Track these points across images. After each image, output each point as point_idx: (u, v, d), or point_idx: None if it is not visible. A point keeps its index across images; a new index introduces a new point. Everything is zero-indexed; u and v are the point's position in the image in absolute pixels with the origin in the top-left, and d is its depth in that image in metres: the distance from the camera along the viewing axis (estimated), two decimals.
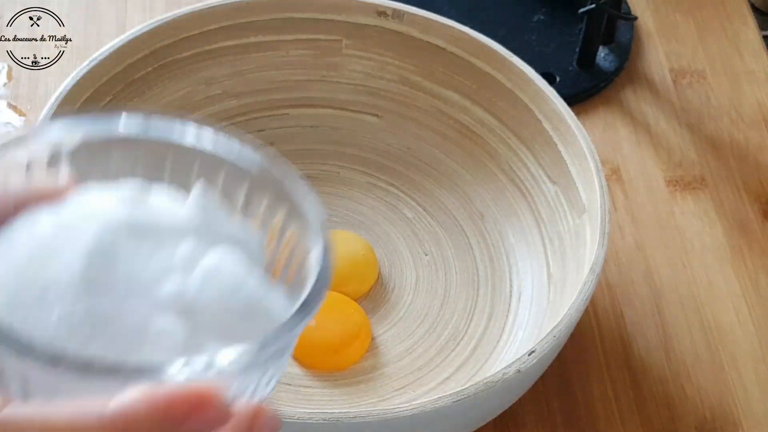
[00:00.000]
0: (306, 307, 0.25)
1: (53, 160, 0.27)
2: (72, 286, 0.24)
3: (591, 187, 0.45)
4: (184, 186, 0.28)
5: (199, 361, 0.22)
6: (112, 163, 0.28)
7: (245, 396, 0.24)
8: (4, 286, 0.24)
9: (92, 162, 0.28)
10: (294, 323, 0.24)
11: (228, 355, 0.23)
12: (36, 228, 0.26)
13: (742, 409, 0.47)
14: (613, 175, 0.55)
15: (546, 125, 0.48)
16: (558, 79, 0.58)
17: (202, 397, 0.21)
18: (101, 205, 0.26)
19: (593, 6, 0.56)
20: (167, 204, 0.27)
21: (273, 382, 0.26)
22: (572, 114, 0.47)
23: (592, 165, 0.45)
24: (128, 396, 0.21)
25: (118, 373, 0.22)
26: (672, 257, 0.52)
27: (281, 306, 0.26)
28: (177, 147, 0.28)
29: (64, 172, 0.27)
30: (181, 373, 0.22)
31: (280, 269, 0.28)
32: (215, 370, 0.22)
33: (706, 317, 0.50)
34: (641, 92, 0.59)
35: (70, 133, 0.28)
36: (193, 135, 0.28)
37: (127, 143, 0.28)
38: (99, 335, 0.24)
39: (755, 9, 0.64)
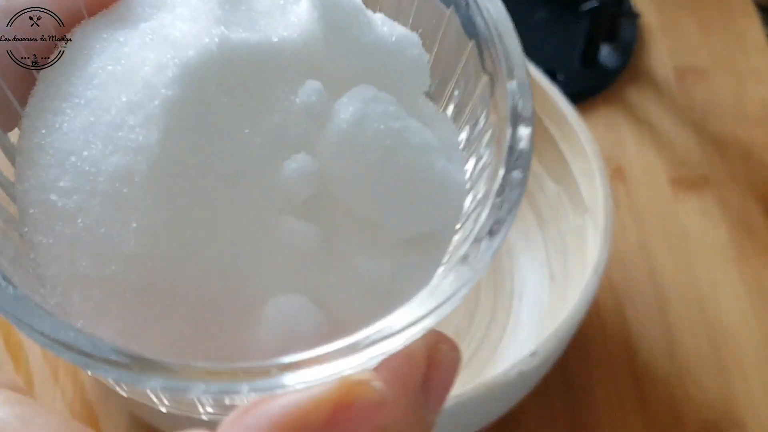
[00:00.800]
0: (509, 212, 0.16)
1: None
2: (150, 181, 0.16)
3: (593, 187, 0.45)
4: None
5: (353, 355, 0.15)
6: None
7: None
8: (62, 171, 0.17)
9: None
10: (490, 245, 0.16)
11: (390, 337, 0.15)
12: (89, 72, 0.18)
13: (746, 411, 0.46)
14: (615, 174, 0.54)
15: (548, 124, 0.48)
16: (560, 77, 0.57)
17: (342, 401, 0.15)
18: (178, 20, 0.18)
19: (597, 4, 0.56)
20: (271, 11, 0.18)
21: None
22: (574, 112, 0.47)
23: (594, 164, 0.45)
24: (248, 418, 0.15)
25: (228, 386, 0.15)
26: (676, 257, 0.51)
27: (459, 179, 0.18)
28: None
29: None
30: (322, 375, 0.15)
31: (455, 113, 0.19)
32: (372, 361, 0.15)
33: (710, 318, 0.49)
34: (644, 90, 0.58)
35: None
36: None
37: None
38: (191, 259, 0.16)
39: (760, 6, 0.63)
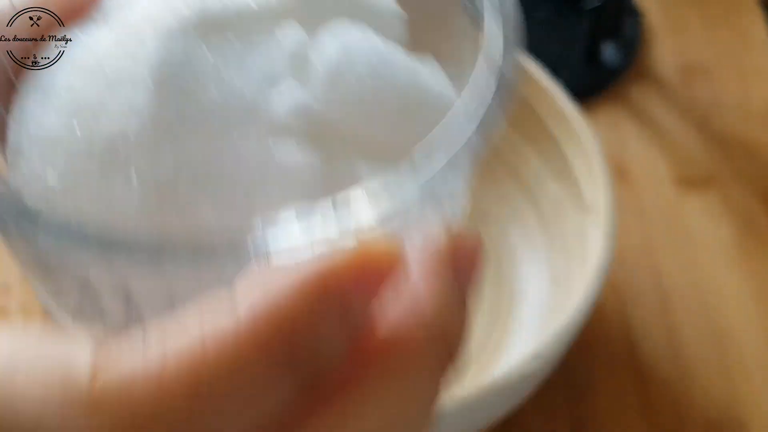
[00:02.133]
0: (501, 90, 0.16)
1: None
2: (143, 133, 0.17)
3: (596, 186, 0.44)
4: None
5: (343, 208, 0.14)
6: None
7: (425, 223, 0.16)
8: (54, 152, 0.17)
9: None
10: (489, 112, 0.16)
11: (382, 191, 0.14)
12: (72, 58, 0.19)
13: (749, 411, 0.46)
14: (618, 173, 0.54)
15: (549, 122, 0.48)
16: (562, 75, 0.57)
17: (363, 261, 0.14)
18: (150, 3, 0.18)
19: (599, 2, 0.55)
20: None
21: (458, 193, 0.17)
22: (577, 111, 0.47)
23: (596, 164, 0.45)
24: (260, 286, 0.14)
25: (227, 254, 0.14)
26: (679, 257, 0.51)
27: (449, 92, 0.18)
28: None
29: None
30: (326, 230, 0.14)
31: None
32: (370, 217, 0.15)
33: (713, 318, 0.49)
34: (648, 89, 0.58)
35: None
36: None
37: None
38: (198, 195, 0.16)
39: (764, 4, 0.63)
